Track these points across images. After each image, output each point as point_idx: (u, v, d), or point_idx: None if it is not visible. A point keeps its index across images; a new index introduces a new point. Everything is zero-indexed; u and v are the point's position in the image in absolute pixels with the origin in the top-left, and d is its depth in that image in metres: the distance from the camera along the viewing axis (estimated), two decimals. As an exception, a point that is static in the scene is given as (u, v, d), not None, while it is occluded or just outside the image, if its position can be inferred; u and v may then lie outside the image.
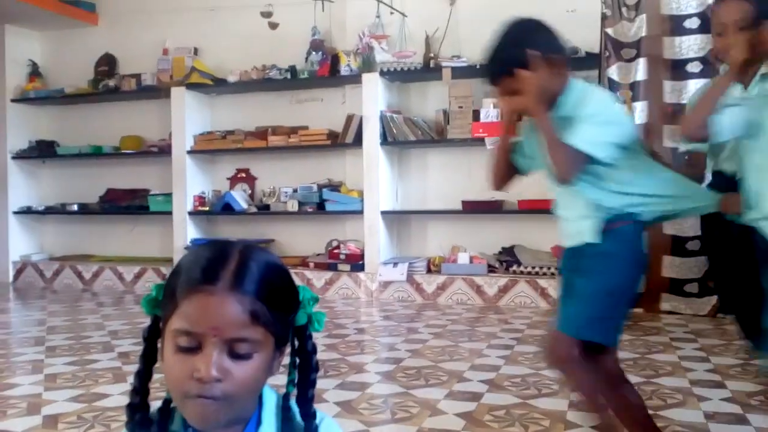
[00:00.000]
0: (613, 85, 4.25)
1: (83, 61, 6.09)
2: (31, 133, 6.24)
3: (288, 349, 0.89)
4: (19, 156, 6.13)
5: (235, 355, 0.78)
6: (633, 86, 4.23)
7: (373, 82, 4.93)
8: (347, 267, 5.04)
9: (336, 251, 5.13)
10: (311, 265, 5.16)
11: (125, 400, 2.45)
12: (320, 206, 5.18)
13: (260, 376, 0.82)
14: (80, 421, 2.24)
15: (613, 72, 4.27)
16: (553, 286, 4.51)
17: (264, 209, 5.35)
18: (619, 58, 4.27)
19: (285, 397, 0.89)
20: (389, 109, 5.03)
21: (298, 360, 0.89)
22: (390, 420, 2.27)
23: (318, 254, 5.27)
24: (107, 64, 6.03)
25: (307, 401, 0.88)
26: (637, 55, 4.23)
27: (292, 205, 5.22)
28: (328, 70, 5.13)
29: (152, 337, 0.86)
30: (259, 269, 0.81)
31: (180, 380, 0.78)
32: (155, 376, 0.87)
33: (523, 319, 4.08)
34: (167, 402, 0.85)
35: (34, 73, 6.23)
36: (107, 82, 5.84)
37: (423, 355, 3.20)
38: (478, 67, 4.71)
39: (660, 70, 4.19)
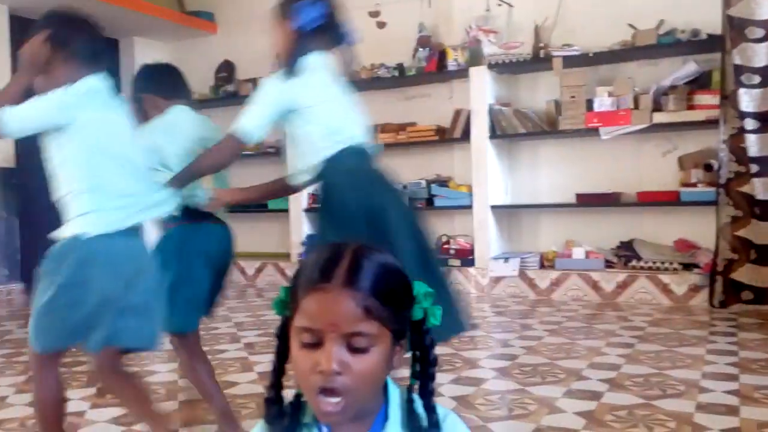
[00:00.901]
0: (736, 69, 3.98)
1: (204, 69, 6.45)
2: (159, 138, 6.69)
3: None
4: (149, 159, 6.60)
5: (353, 349, 0.82)
6: (763, 70, 3.94)
7: (480, 76, 4.90)
8: (457, 262, 5.04)
9: (445, 246, 5.15)
10: (422, 260, 5.19)
11: (253, 389, 2.58)
12: (429, 202, 5.22)
13: (379, 369, 0.85)
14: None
15: (737, 55, 3.98)
16: (676, 282, 4.30)
17: (375, 205, 5.44)
18: (743, 38, 3.98)
19: (409, 390, 0.92)
20: (498, 102, 4.98)
21: (417, 353, 0.93)
22: (507, 416, 2.26)
23: (428, 249, 5.31)
24: (226, 70, 6.37)
25: (427, 394, 0.91)
26: (766, 37, 3.93)
27: (402, 201, 5.28)
28: (435, 66, 5.15)
29: (283, 335, 0.92)
30: (371, 267, 0.85)
31: (305, 374, 0.84)
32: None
33: (644, 317, 3.93)
34: (298, 396, 0.91)
35: (161, 81, 6.69)
36: (227, 88, 6.16)
37: (538, 352, 3.16)
38: (591, 55, 4.57)
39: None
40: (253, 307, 4.65)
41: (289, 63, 1.97)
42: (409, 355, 0.94)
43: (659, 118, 4.38)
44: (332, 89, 2.04)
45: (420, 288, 0.90)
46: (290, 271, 5.60)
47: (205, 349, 3.32)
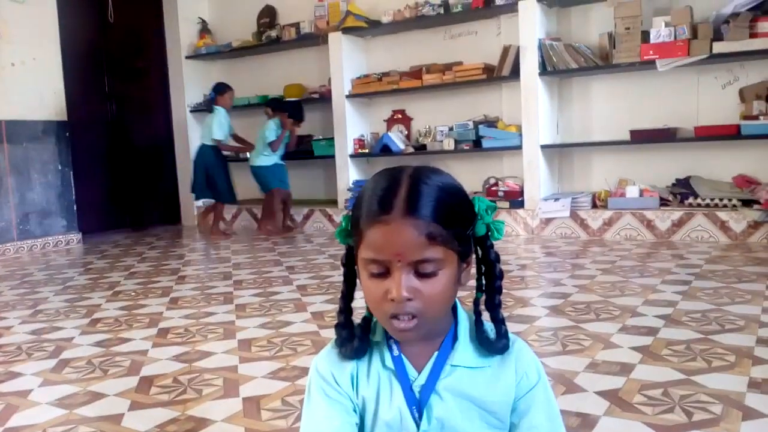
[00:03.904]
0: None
1: (246, 15, 6.41)
2: (205, 87, 6.71)
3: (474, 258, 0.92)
4: (196, 109, 6.66)
5: (421, 275, 0.82)
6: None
7: (530, 9, 4.72)
8: (506, 204, 4.98)
9: (494, 188, 5.08)
10: (470, 202, 5.15)
11: (308, 328, 2.62)
12: (477, 143, 5.13)
13: (448, 290, 0.85)
14: (270, 345, 2.45)
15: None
16: (734, 219, 4.16)
17: (420, 149, 5.40)
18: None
19: (475, 303, 0.92)
20: (548, 36, 4.80)
21: (483, 268, 0.92)
22: (561, 352, 2.25)
23: (475, 192, 5.26)
24: (268, 15, 6.31)
25: (494, 306, 0.92)
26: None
27: (448, 144, 5.22)
28: (482, 1, 4.99)
29: (349, 263, 0.92)
30: (430, 192, 0.83)
31: (377, 302, 0.84)
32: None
33: (701, 254, 3.82)
34: (366, 319, 0.93)
35: (204, 29, 6.68)
36: (269, 34, 6.12)
37: (591, 290, 3.12)
38: (646, -17, 4.34)
39: None
40: (303, 251, 4.71)
41: None
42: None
43: (719, 47, 4.16)
44: None
45: (481, 204, 0.88)
46: (337, 218, 5.64)
47: (259, 291, 3.42)
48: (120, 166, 6.36)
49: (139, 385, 2.10)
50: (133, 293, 3.55)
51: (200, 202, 6.40)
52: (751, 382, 1.86)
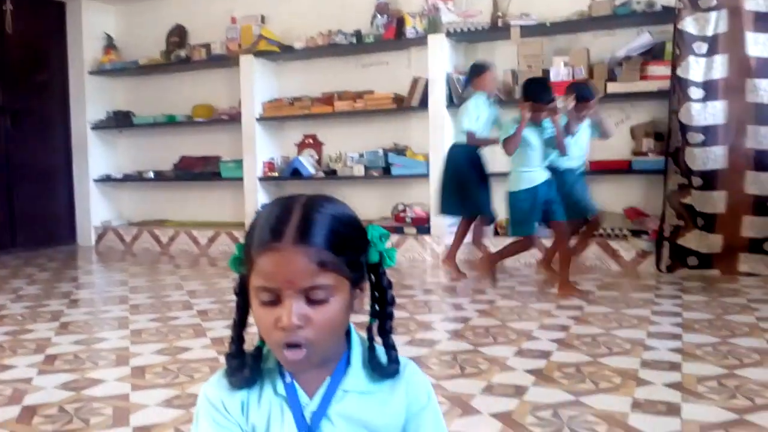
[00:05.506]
0: (687, 39, 4.05)
1: (155, 33, 6.27)
2: (108, 104, 6.49)
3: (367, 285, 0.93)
4: (98, 126, 6.41)
5: (312, 302, 0.82)
6: (712, 39, 4.03)
7: (438, 44, 4.88)
8: (413, 230, 5.07)
9: (402, 215, 5.16)
10: (378, 228, 5.20)
11: (207, 354, 2.55)
12: (386, 170, 5.21)
13: (340, 317, 0.86)
14: (165, 372, 2.36)
15: (689, 24, 4.06)
16: (624, 248, 4.40)
17: (331, 174, 5.42)
18: (696, 8, 4.06)
19: (368, 329, 0.94)
20: (456, 70, 4.97)
21: (376, 294, 0.94)
22: (459, 375, 2.30)
23: (384, 218, 5.32)
24: (178, 35, 6.19)
25: (386, 332, 0.94)
26: (718, 6, 4.02)
27: (358, 170, 5.27)
28: (393, 34, 5.11)
29: (242, 292, 0.91)
30: (322, 219, 0.84)
31: (268, 330, 0.84)
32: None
33: (594, 281, 4.02)
34: (258, 348, 0.92)
35: (110, 45, 6.46)
36: (179, 53, 6.00)
37: (491, 314, 3.22)
38: (548, 24, 4.59)
39: (740, 22, 3.98)
40: (206, 275, 4.59)
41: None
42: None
43: (613, 88, 4.44)
44: None
45: (375, 231, 0.90)
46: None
47: (157, 315, 3.30)
48: (13, 184, 6.01)
49: (21, 414, 1.98)
50: (19, 317, 3.34)
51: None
52: (634, 403, 1.97)
